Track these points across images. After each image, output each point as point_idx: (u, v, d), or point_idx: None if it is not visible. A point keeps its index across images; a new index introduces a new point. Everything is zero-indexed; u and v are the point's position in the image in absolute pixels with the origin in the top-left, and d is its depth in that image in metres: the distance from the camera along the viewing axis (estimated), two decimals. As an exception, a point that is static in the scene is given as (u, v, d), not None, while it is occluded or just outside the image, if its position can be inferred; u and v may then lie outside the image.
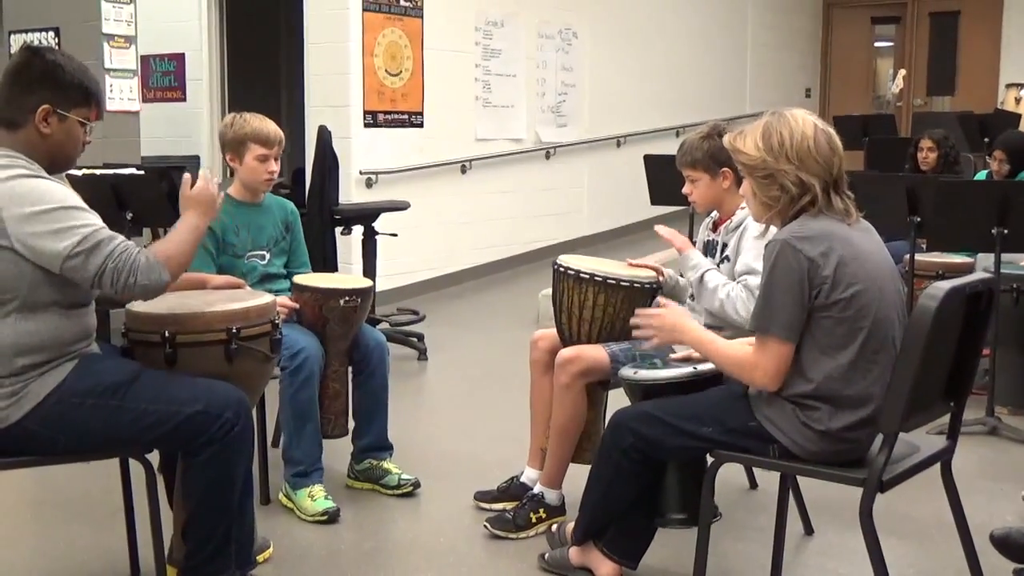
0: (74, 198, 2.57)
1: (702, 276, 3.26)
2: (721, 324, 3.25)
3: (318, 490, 3.61)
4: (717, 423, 2.69)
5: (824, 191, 2.60)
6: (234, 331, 2.78)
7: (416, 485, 3.83)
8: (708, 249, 3.45)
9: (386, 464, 3.86)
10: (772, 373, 2.58)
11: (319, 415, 3.66)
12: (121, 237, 2.56)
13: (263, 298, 3.00)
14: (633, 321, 2.90)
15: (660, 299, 3.08)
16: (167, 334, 2.73)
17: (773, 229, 2.70)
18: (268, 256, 3.83)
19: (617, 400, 3.26)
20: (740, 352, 2.70)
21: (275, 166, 3.77)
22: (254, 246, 3.80)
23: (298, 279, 3.73)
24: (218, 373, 2.75)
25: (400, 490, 3.81)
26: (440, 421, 5.03)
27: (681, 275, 3.49)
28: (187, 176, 2.80)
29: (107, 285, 2.51)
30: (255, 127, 3.72)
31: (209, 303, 2.87)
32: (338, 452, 3.91)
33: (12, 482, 3.89)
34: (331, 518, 3.55)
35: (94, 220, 2.55)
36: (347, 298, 3.63)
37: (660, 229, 3.49)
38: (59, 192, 2.54)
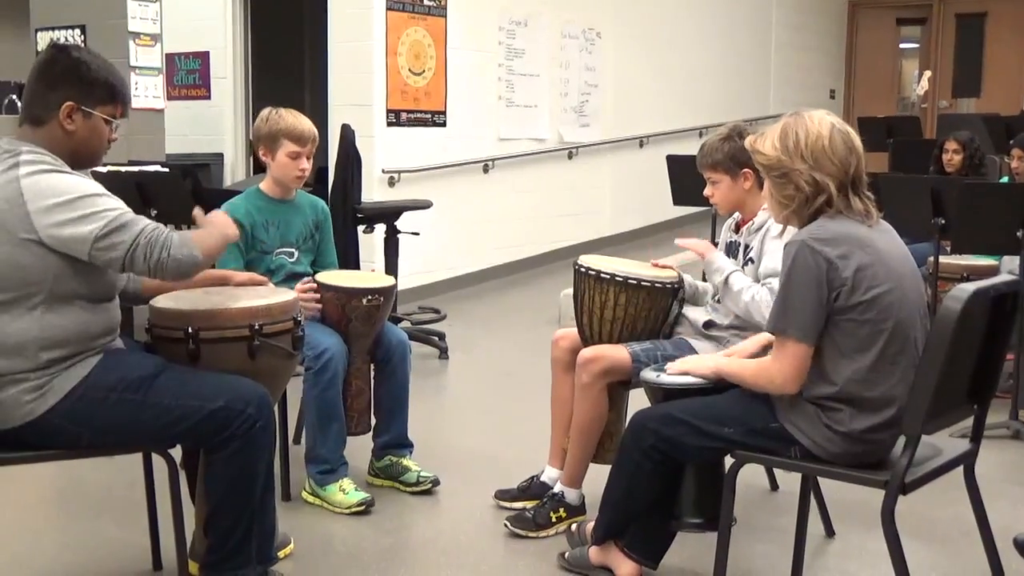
0: (98, 187, 2.58)
1: (727, 279, 3.25)
2: (745, 324, 3.25)
3: (347, 483, 3.63)
4: (738, 424, 2.69)
5: (840, 191, 2.59)
6: (257, 327, 2.79)
7: (436, 483, 3.84)
8: (730, 250, 3.44)
9: (406, 461, 3.87)
10: (791, 375, 2.58)
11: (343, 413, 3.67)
12: (148, 220, 2.57)
13: (286, 295, 3.01)
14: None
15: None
16: (190, 330, 2.74)
17: (792, 230, 2.69)
18: (296, 254, 3.83)
19: (638, 400, 3.26)
20: (758, 363, 2.71)
21: (307, 164, 3.77)
22: (283, 243, 3.80)
23: (320, 277, 3.72)
24: (241, 369, 2.76)
25: (420, 487, 3.82)
26: (461, 419, 5.03)
27: (703, 279, 3.48)
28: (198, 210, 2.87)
29: (140, 262, 2.50)
30: (289, 123, 3.72)
31: (232, 299, 2.88)
32: (358, 449, 3.91)
33: (36, 476, 3.93)
34: (367, 508, 3.58)
35: (119, 205, 2.56)
36: (370, 297, 3.64)
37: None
38: (82, 183, 2.55)
